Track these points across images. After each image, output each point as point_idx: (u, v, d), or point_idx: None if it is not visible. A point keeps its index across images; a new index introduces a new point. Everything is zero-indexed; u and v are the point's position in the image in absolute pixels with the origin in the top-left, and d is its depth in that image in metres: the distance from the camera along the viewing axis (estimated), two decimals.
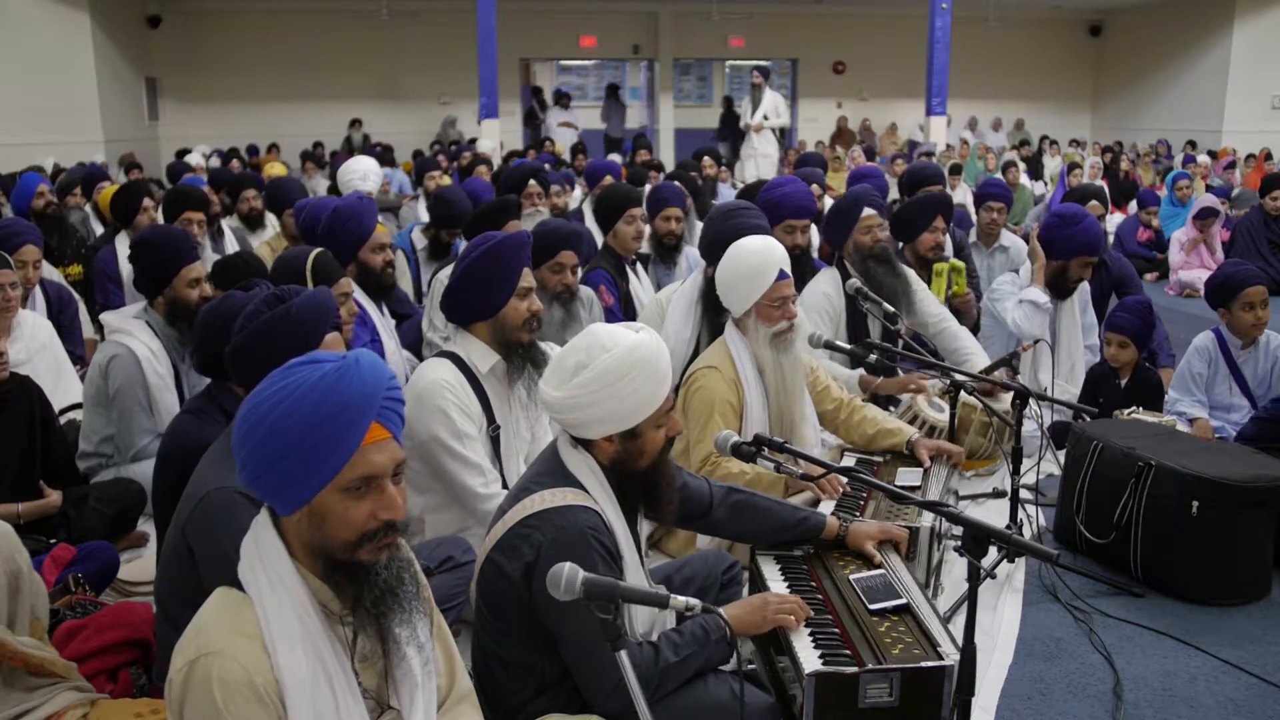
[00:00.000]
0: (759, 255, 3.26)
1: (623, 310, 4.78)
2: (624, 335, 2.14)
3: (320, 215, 4.29)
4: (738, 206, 4.16)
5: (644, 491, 2.24)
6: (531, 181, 5.80)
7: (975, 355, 4.39)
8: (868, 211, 4.47)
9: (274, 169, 9.86)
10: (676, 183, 6.20)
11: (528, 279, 3.04)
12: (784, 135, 14.08)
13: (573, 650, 2.07)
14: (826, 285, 4.46)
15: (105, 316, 3.93)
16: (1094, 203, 5.38)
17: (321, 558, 1.60)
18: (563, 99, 18.79)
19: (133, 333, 3.74)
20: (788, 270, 3.31)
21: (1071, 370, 4.66)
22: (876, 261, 4.40)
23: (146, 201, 5.83)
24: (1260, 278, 4.17)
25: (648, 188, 6.58)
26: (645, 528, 2.76)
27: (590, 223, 6.74)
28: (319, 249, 3.60)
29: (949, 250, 5.42)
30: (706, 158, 9.55)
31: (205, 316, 2.71)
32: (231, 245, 6.17)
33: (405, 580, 1.65)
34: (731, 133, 16.95)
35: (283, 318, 2.35)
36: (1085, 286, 4.90)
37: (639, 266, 5.12)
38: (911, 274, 4.60)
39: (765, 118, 12.50)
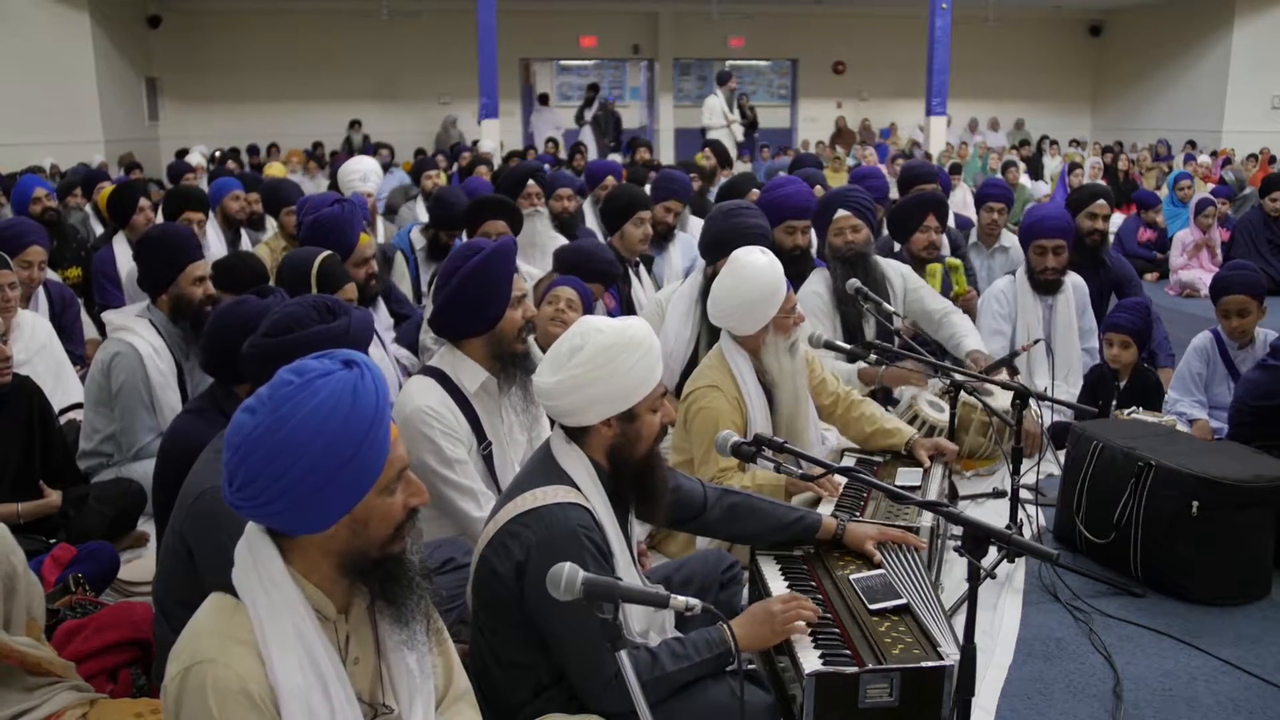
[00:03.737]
0: (771, 271, 3.17)
1: (624, 314, 4.74)
2: (614, 320, 2.21)
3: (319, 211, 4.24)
4: (738, 206, 4.15)
5: (638, 486, 2.24)
6: (531, 181, 5.79)
7: (969, 336, 4.38)
8: (841, 213, 4.38)
9: (273, 169, 9.87)
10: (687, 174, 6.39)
11: (519, 286, 2.94)
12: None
13: (565, 649, 2.07)
14: (818, 285, 4.40)
15: (107, 315, 3.92)
16: (1100, 202, 5.34)
17: (353, 562, 1.60)
18: (597, 93, 18.18)
19: (135, 330, 3.74)
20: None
21: (1069, 373, 4.65)
22: (844, 264, 4.30)
23: (143, 201, 5.83)
24: (1246, 286, 4.16)
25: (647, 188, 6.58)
26: (640, 530, 2.75)
27: (590, 223, 6.72)
28: (326, 252, 3.56)
29: (945, 249, 5.41)
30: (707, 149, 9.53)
31: (221, 319, 2.68)
32: (245, 243, 6.33)
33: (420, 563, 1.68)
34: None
35: (343, 335, 2.34)
36: (1084, 287, 4.89)
37: (641, 269, 5.08)
38: (907, 270, 4.57)
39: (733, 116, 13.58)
